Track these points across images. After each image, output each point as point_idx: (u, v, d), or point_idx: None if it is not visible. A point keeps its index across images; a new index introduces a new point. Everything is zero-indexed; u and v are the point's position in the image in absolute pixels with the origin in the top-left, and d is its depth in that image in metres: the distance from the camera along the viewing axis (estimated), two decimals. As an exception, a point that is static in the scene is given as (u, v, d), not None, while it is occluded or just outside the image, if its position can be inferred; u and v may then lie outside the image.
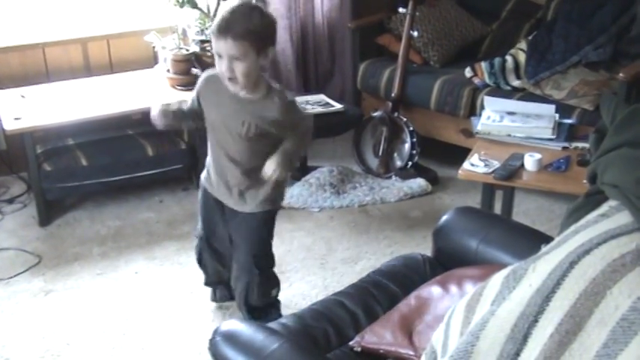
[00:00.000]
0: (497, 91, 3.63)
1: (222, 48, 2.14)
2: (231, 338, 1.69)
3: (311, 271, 3.05)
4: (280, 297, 2.65)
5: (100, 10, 3.93)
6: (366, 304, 1.97)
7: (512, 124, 3.00)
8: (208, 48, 3.52)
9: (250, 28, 2.11)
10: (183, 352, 2.58)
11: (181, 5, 3.58)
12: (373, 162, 3.93)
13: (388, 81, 3.97)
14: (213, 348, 1.71)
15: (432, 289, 1.88)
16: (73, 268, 3.09)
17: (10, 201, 3.63)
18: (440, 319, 1.49)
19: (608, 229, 1.24)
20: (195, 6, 3.62)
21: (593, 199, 1.40)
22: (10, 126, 3.21)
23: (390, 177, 3.83)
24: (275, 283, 2.59)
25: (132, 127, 3.62)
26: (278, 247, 2.74)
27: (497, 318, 1.23)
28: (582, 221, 1.32)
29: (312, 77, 4.43)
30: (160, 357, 2.57)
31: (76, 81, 3.71)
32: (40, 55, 3.78)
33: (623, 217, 1.25)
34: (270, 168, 2.23)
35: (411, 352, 1.71)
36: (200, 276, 2.75)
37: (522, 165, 2.73)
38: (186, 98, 2.49)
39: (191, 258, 2.80)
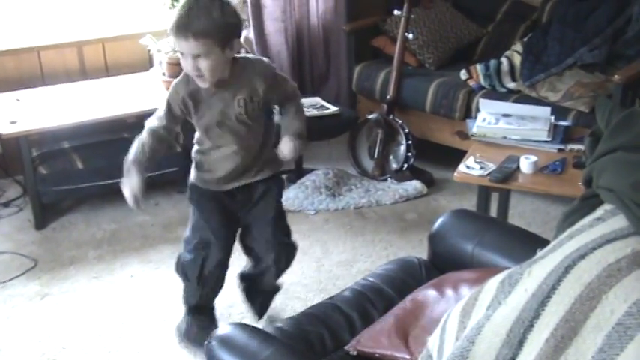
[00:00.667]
0: (493, 94, 3.63)
1: (183, 47, 2.04)
2: (227, 342, 1.69)
3: (307, 273, 3.05)
4: (276, 300, 2.65)
5: (96, 14, 3.93)
6: (362, 308, 1.97)
7: (507, 126, 3.00)
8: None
9: (211, 24, 2.00)
10: (178, 356, 2.57)
11: (176, 8, 3.58)
12: (369, 164, 3.94)
13: (383, 83, 3.97)
14: (208, 352, 1.71)
15: (428, 293, 1.88)
16: (68, 271, 3.09)
17: (6, 204, 3.63)
18: (436, 322, 1.49)
19: (604, 233, 1.23)
20: (190, 9, 3.61)
21: (589, 203, 1.40)
22: (5, 130, 3.21)
23: (385, 179, 3.84)
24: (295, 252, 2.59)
25: (127, 131, 3.60)
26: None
27: (492, 323, 1.24)
28: (577, 225, 1.32)
29: (308, 80, 4.43)
30: (156, 361, 2.57)
31: (72, 84, 3.72)
32: (35, 59, 3.77)
33: (619, 222, 1.25)
34: (286, 148, 2.24)
35: (407, 356, 1.70)
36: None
37: (518, 167, 2.72)
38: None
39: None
